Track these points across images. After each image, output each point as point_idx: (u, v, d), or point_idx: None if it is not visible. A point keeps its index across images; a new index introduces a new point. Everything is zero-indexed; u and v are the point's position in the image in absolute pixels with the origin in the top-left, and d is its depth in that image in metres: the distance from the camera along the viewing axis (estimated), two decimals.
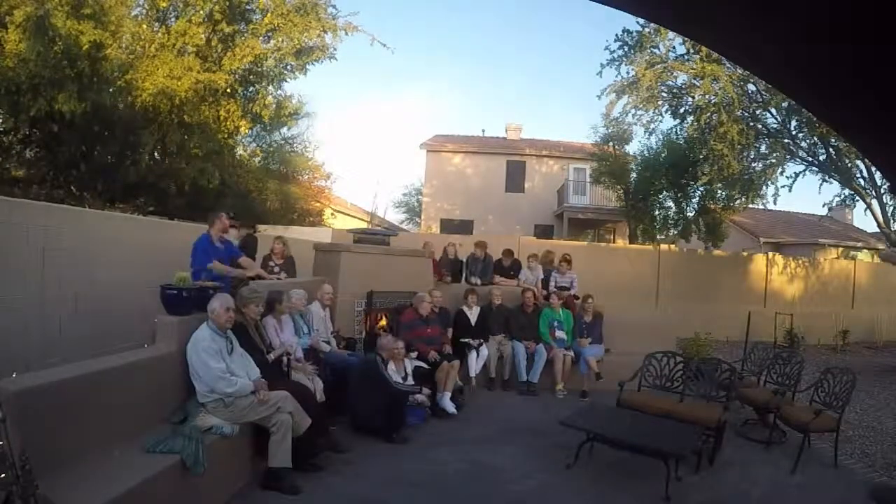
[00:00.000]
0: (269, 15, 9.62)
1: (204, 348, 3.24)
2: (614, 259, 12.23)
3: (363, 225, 18.52)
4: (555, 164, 20.00)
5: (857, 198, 11.23)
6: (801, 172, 11.75)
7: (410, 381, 4.94)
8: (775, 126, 11.24)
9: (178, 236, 6.58)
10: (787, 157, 11.45)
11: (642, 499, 3.60)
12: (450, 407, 5.19)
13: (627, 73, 11.34)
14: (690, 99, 11.20)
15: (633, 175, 14.85)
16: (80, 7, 7.79)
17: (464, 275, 7.55)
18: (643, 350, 5.45)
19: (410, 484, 3.63)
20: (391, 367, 4.78)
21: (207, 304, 3.40)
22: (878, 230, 11.74)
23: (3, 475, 1.82)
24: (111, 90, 8.51)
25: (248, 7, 9.67)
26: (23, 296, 4.20)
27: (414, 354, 5.25)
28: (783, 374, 5.39)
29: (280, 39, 9.86)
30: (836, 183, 11.27)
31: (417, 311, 5.69)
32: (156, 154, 10.29)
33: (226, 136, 10.10)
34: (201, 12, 9.14)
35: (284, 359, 3.96)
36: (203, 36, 9.30)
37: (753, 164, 11.79)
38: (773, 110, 10.99)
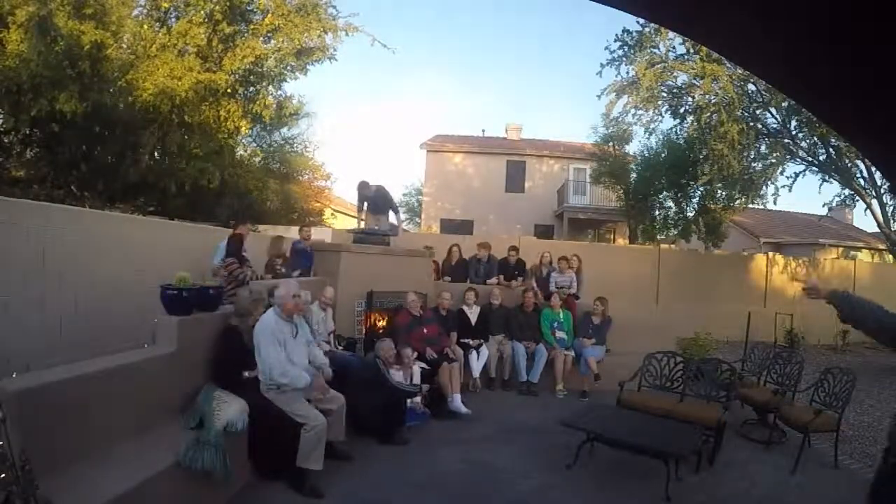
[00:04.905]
0: (269, 15, 9.63)
1: (266, 334, 3.37)
2: (614, 259, 12.22)
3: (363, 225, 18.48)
4: (555, 164, 20.00)
5: (857, 198, 11.22)
6: (801, 172, 11.74)
7: (417, 381, 4.95)
8: (775, 126, 11.23)
9: (178, 236, 6.60)
10: (787, 157, 11.43)
11: (642, 499, 3.60)
12: (462, 408, 5.13)
13: (627, 73, 11.35)
14: (690, 99, 11.19)
15: (633, 175, 14.86)
16: (82, 7, 7.81)
17: (468, 276, 7.55)
18: (643, 350, 5.45)
19: (411, 484, 3.63)
20: (399, 375, 4.79)
21: (274, 292, 3.60)
22: (878, 230, 11.73)
23: (3, 475, 1.82)
24: (112, 90, 8.53)
25: (248, 8, 9.69)
26: (23, 296, 4.20)
27: (413, 354, 5.24)
28: (783, 374, 5.39)
29: (280, 40, 9.88)
30: (836, 183, 11.26)
31: (410, 312, 5.69)
32: (156, 154, 10.31)
33: (226, 136, 10.11)
34: (202, 13, 9.15)
35: None
36: (204, 36, 9.31)
37: (753, 164, 11.77)
38: (773, 110, 10.98)
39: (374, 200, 6.83)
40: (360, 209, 7.06)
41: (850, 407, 5.00)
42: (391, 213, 7.07)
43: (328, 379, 3.83)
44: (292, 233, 9.65)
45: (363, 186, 6.73)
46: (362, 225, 7.01)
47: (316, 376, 3.61)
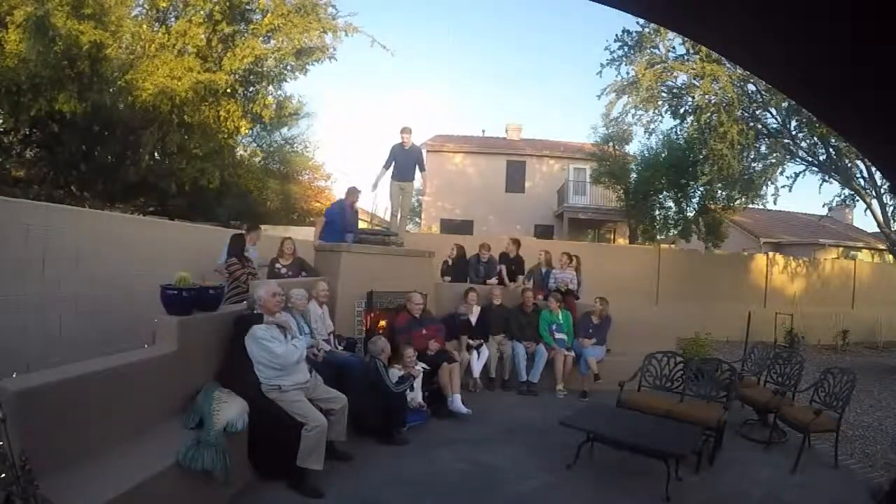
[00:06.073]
0: (269, 15, 9.63)
1: (261, 337, 3.39)
2: (614, 259, 12.22)
3: (363, 225, 18.49)
4: (555, 164, 20.00)
5: (857, 198, 11.21)
6: (801, 172, 11.73)
7: (418, 384, 4.93)
8: (775, 126, 11.22)
9: (178, 236, 6.60)
10: (787, 157, 11.43)
11: (642, 499, 3.61)
12: (462, 409, 5.12)
13: (627, 73, 11.35)
14: (690, 99, 11.18)
15: (633, 175, 14.87)
16: (81, 7, 7.80)
17: (468, 276, 7.54)
18: (643, 350, 5.45)
19: (411, 484, 3.63)
20: (399, 374, 4.78)
21: (254, 293, 3.67)
22: (878, 230, 11.73)
23: (3, 475, 1.82)
24: (111, 90, 8.53)
25: (248, 7, 9.68)
26: (23, 296, 4.20)
27: (413, 353, 5.21)
28: (783, 374, 5.39)
29: (280, 40, 9.87)
30: (836, 183, 11.24)
31: (411, 312, 5.67)
32: (156, 154, 10.31)
33: (226, 136, 10.11)
34: (201, 12, 9.14)
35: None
36: (203, 36, 9.31)
37: (753, 164, 11.77)
38: (773, 110, 10.97)
39: (406, 161, 6.91)
40: (386, 165, 7.04)
41: (850, 407, 5.00)
42: (418, 175, 7.26)
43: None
44: (291, 232, 9.67)
45: (406, 131, 6.68)
46: (388, 172, 7.03)
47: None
